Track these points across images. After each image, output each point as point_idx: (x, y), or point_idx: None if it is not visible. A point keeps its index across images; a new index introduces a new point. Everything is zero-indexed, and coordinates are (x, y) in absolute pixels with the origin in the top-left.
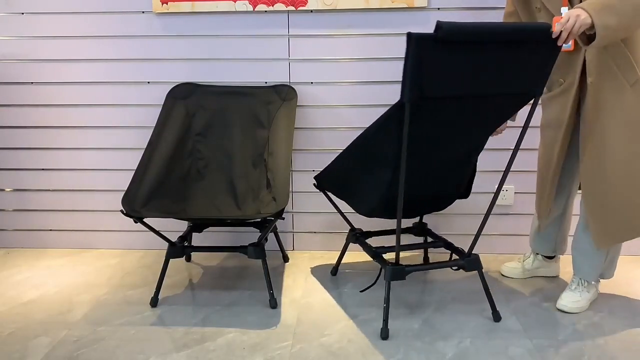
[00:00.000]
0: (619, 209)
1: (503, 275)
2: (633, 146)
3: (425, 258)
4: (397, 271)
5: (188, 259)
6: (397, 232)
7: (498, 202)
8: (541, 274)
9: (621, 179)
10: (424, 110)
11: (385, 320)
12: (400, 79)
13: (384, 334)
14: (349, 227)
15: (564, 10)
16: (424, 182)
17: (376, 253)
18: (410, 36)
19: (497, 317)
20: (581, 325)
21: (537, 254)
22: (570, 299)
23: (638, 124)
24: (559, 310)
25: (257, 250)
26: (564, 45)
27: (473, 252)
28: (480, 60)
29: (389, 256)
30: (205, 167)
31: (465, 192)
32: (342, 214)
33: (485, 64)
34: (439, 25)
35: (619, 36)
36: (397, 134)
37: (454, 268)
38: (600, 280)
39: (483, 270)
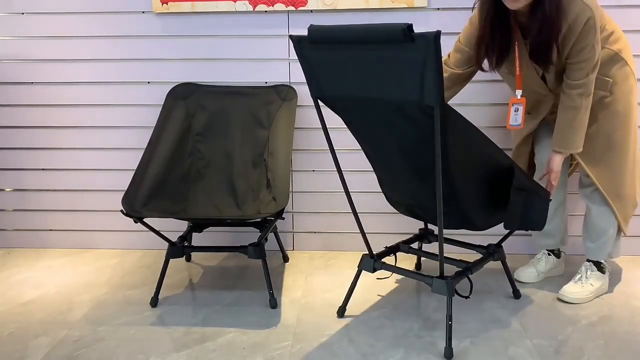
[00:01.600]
0: (629, 194)
1: (519, 281)
2: (632, 144)
3: (418, 265)
4: (367, 262)
5: (188, 259)
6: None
7: None
8: (553, 274)
9: (630, 173)
10: (342, 108)
11: (346, 300)
12: None
13: (341, 313)
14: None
15: (519, 92)
16: (408, 187)
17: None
18: (290, 38)
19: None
20: (581, 325)
21: (549, 254)
22: (571, 290)
23: (627, 122)
24: (559, 300)
25: (257, 250)
26: (514, 124)
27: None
28: (355, 62)
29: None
30: (205, 167)
31: (480, 224)
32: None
33: (360, 65)
34: (308, 29)
35: (583, 133)
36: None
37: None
38: (608, 272)
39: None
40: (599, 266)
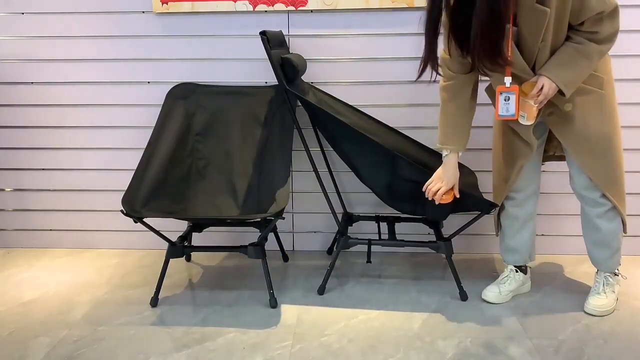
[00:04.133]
0: (622, 183)
1: (486, 301)
2: (618, 137)
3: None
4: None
5: (188, 259)
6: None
7: None
8: (519, 291)
9: (621, 164)
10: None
11: (325, 281)
12: (400, 79)
13: (321, 291)
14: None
15: (507, 80)
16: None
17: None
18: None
19: None
20: (581, 325)
21: (516, 271)
22: (598, 302)
23: (613, 113)
24: (587, 313)
25: (257, 250)
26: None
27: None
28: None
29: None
30: (205, 167)
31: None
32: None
33: None
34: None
35: (580, 82)
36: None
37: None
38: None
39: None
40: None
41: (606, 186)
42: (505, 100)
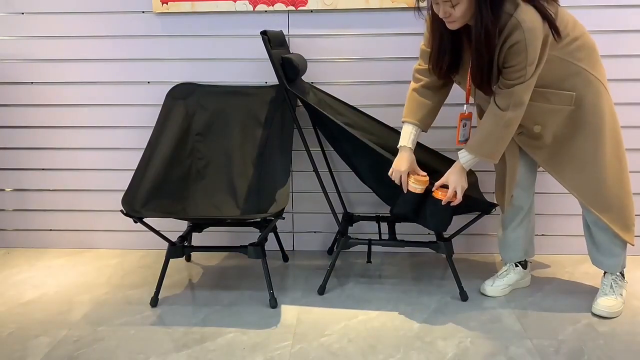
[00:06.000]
0: (621, 204)
1: (485, 295)
2: (608, 151)
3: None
4: (345, 242)
5: (188, 259)
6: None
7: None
8: (519, 285)
9: (611, 181)
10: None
11: (325, 281)
12: (400, 79)
13: (321, 291)
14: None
15: (466, 107)
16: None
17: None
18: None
19: None
20: (581, 325)
21: (516, 265)
22: (608, 304)
23: (598, 130)
24: (595, 315)
25: (257, 250)
26: (463, 139)
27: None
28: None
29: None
30: (205, 167)
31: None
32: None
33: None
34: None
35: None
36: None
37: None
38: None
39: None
40: (621, 274)
41: (589, 201)
42: (463, 126)
